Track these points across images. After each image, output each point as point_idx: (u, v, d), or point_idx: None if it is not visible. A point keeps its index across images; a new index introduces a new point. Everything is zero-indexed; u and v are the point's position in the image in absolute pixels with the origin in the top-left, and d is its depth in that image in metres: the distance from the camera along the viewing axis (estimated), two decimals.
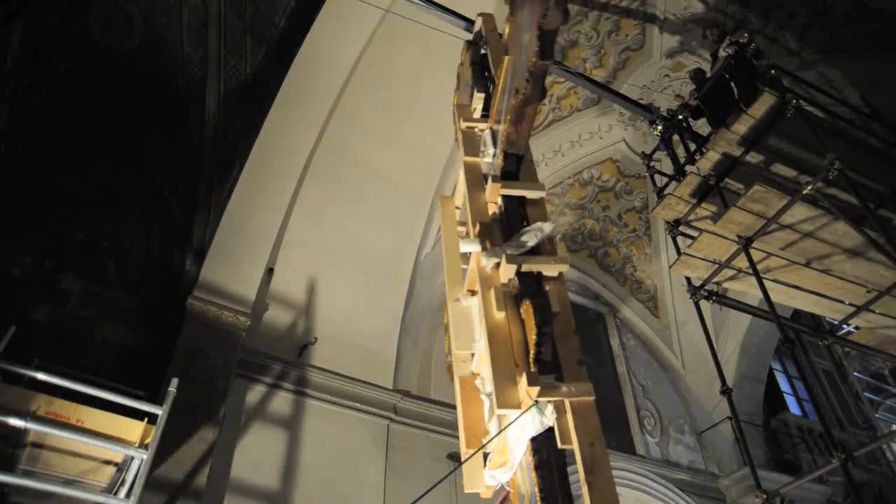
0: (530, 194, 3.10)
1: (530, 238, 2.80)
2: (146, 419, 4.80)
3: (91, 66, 7.10)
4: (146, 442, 4.68)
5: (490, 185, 3.10)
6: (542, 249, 2.78)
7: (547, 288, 2.68)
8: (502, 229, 3.00)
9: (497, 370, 2.43)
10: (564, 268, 2.71)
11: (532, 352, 2.40)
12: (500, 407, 2.35)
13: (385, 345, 8.10)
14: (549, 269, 2.70)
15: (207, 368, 6.43)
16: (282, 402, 6.96)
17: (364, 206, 8.32)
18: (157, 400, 5.13)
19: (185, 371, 6.11)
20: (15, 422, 4.22)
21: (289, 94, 7.34)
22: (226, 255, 7.19)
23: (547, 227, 2.84)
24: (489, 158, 3.39)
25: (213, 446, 6.06)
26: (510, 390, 2.36)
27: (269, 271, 7.54)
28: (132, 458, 4.66)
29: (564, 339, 2.49)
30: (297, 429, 6.85)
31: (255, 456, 6.42)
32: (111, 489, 4.72)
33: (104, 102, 7.20)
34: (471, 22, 5.40)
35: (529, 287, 2.64)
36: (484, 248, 2.85)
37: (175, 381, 5.08)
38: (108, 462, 4.71)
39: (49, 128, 6.88)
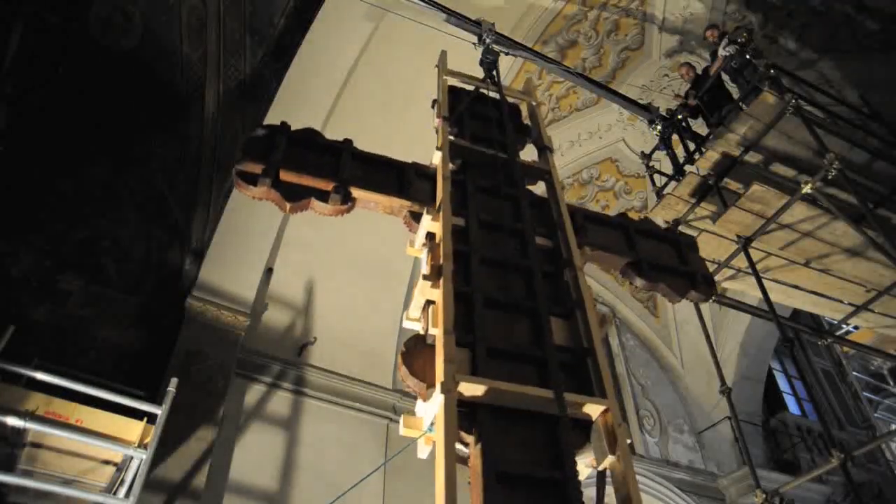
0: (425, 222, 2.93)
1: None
2: (145, 419, 4.81)
3: (91, 66, 7.09)
4: (145, 442, 4.69)
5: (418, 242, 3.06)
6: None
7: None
8: None
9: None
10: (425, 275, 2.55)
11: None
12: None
13: (384, 345, 8.09)
14: (427, 293, 2.54)
15: (206, 368, 6.43)
16: (281, 401, 6.96)
17: None
18: (156, 400, 5.14)
19: (184, 371, 6.11)
20: (14, 421, 4.23)
21: (288, 94, 7.32)
22: (225, 255, 7.19)
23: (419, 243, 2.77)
24: None
25: (213, 446, 6.06)
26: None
27: (269, 271, 7.54)
28: (131, 458, 4.67)
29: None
30: (297, 429, 6.85)
31: (255, 456, 6.41)
32: (110, 489, 4.73)
33: (104, 102, 7.19)
34: (473, 22, 5.34)
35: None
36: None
37: (174, 381, 5.09)
38: (107, 462, 4.72)
39: (49, 128, 6.87)
